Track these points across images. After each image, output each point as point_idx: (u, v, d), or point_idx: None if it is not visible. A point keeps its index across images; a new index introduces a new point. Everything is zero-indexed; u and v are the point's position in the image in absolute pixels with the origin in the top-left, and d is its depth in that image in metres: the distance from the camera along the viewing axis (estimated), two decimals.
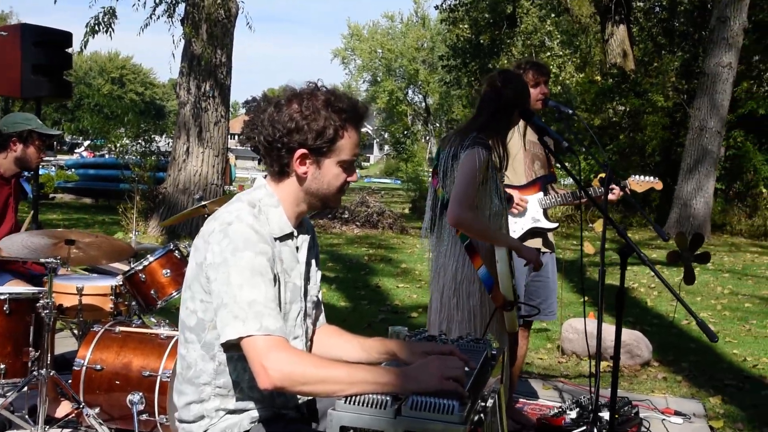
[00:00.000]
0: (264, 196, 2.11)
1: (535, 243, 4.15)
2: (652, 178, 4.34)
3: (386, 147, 64.29)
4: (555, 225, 4.15)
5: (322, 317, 2.39)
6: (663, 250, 13.65)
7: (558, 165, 4.33)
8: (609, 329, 4.40)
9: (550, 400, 4.73)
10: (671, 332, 6.99)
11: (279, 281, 2.04)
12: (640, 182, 4.36)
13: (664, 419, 4.38)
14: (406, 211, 19.68)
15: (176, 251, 4.14)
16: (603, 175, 4.32)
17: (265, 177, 2.17)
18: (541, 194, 4.13)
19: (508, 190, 3.96)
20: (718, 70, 15.73)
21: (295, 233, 2.17)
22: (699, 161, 15.98)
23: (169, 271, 4.02)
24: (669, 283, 2.73)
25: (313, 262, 2.28)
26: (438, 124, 58.27)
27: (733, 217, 18.29)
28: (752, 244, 16.39)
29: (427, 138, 58.19)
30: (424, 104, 58.24)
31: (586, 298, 8.23)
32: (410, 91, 59.67)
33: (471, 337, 2.45)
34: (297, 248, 2.17)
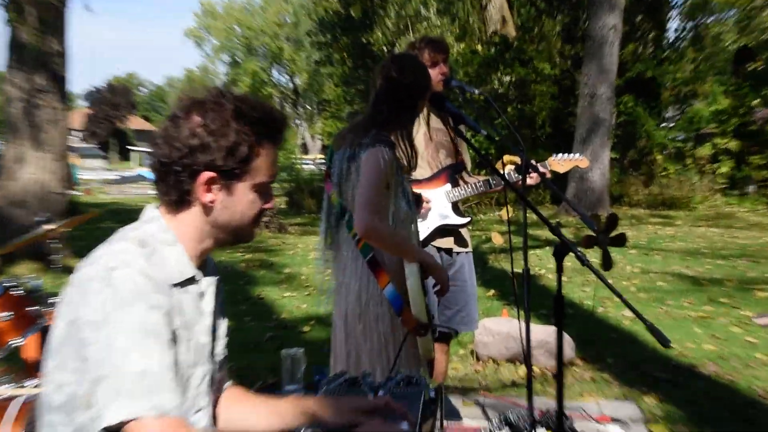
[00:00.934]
0: (157, 231, 1.88)
1: (446, 242, 4.08)
2: (576, 155, 4.36)
3: None
4: (466, 220, 4.11)
5: (227, 379, 2.17)
6: (565, 228, 13.97)
7: (472, 151, 4.26)
8: (532, 329, 4.27)
9: (475, 419, 4.57)
10: (589, 323, 7.04)
11: (177, 340, 1.80)
12: (561, 161, 4.30)
13: (599, 430, 4.30)
14: (283, 205, 19.36)
15: (15, 287, 3.74)
16: (513, 159, 4.24)
17: (158, 207, 1.94)
18: (448, 186, 4.07)
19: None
20: (604, 32, 16.21)
21: (199, 277, 1.93)
22: (592, 130, 16.53)
23: (10, 313, 3.61)
24: (600, 274, 2.70)
25: (220, 310, 2.08)
26: (309, 106, 58.11)
27: (629, 187, 19.05)
28: (652, 214, 17.09)
29: (298, 122, 57.91)
30: (291, 85, 57.80)
31: (492, 292, 8.27)
32: (275, 72, 59.08)
33: (401, 376, 2.22)
34: (201, 295, 1.95)
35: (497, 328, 5.78)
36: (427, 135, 4.05)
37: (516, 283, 5.63)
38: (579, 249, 2.84)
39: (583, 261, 2.75)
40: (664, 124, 21.16)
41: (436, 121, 4.10)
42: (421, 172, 4.02)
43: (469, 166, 4.35)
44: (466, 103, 3.87)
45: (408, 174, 3.28)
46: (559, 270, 2.84)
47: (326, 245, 3.29)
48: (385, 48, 25.49)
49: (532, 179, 3.97)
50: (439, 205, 4.04)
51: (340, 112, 34.58)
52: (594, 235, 3.39)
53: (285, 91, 58.50)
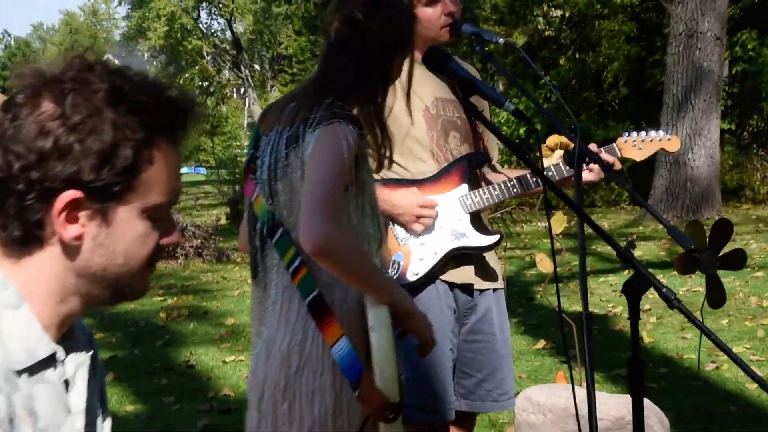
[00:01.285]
0: None
1: (463, 275, 4.08)
2: (660, 133, 4.34)
3: None
4: (494, 239, 4.10)
5: None
6: (653, 241, 13.95)
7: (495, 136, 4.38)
8: (602, 399, 4.42)
9: None
10: (694, 389, 7.09)
11: None
12: (638, 143, 4.32)
13: None
14: (223, 221, 19.40)
15: None
16: (564, 141, 4.27)
17: None
18: (465, 188, 4.08)
19: (400, 191, 3.97)
20: None
21: (61, 355, 1.90)
22: (692, 89, 16.50)
23: None
24: (698, 321, 2.74)
25: (98, 404, 2.06)
26: (257, 66, 58.29)
27: (753, 175, 19.00)
28: None
29: (243, 91, 58.07)
30: (230, 34, 57.84)
31: (542, 344, 8.30)
32: (203, 14, 59.02)
33: None
34: (66, 383, 1.92)
35: (550, 401, 5.79)
36: (428, 111, 4.08)
37: (575, 330, 5.69)
38: (672, 277, 2.88)
39: (671, 302, 2.75)
40: None
41: (442, 89, 4.13)
42: (422, 167, 4.05)
43: (496, 156, 4.40)
44: (486, 60, 3.91)
45: (378, 172, 3.31)
46: (634, 315, 2.85)
47: (254, 281, 3.31)
48: None
49: (591, 173, 4.01)
50: (450, 218, 4.05)
51: (303, 74, 34.55)
52: (693, 254, 3.46)
53: (220, 44, 58.49)
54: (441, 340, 3.74)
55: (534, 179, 4.13)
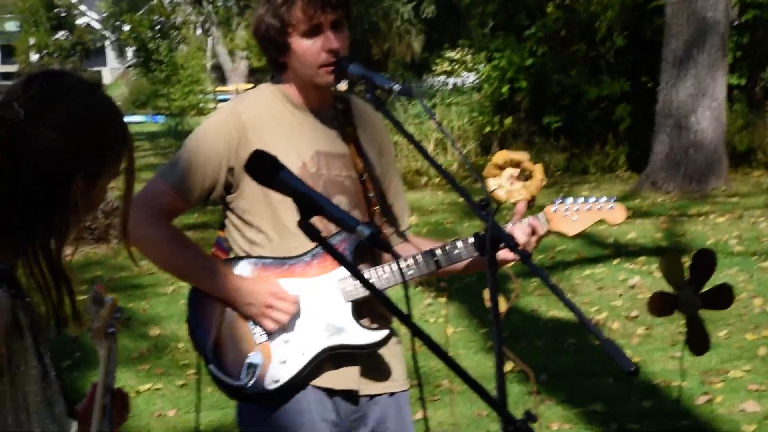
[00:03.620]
0: None
1: (342, 379, 3.85)
2: (603, 199, 4.05)
3: (129, 52, 63.31)
4: (381, 334, 3.86)
5: None
6: (650, 219, 13.65)
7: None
8: None
9: None
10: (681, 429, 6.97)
11: None
12: (573, 212, 4.03)
13: None
14: None
15: None
16: (515, 157, 4.05)
17: None
18: (344, 269, 3.78)
19: (256, 274, 3.84)
20: None
21: None
22: (694, 43, 16.30)
23: None
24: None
25: None
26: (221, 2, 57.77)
27: (765, 136, 18.83)
28: None
29: (207, 27, 57.65)
30: None
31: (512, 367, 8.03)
32: None
33: None
34: None
35: None
36: (306, 169, 3.84)
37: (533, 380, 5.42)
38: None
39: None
40: None
41: (327, 140, 3.91)
42: (294, 241, 3.77)
43: (405, 221, 4.20)
44: (377, 110, 3.96)
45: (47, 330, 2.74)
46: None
47: None
48: None
49: (510, 254, 3.59)
50: (326, 308, 3.81)
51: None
52: (672, 292, 3.66)
53: None
54: None
55: (447, 252, 3.88)
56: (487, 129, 19.70)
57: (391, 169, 4.13)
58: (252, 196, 3.74)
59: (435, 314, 9.86)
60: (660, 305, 3.64)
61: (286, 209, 3.70)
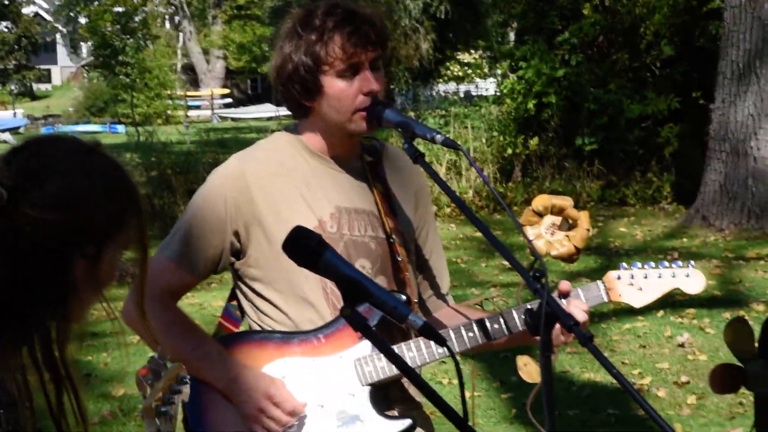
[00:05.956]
0: None
1: None
2: (677, 266, 4.13)
3: (83, 48, 63.72)
4: (403, 424, 3.91)
5: None
6: (701, 262, 13.44)
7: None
8: None
9: None
10: None
11: None
12: (640, 281, 4.14)
13: None
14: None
15: None
16: (558, 203, 4.14)
17: None
18: (366, 347, 3.90)
19: (256, 369, 3.90)
20: None
21: None
22: (759, 51, 16.29)
23: None
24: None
25: None
26: None
27: None
28: None
29: (178, 22, 57.88)
30: None
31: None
32: None
33: None
34: None
35: None
36: (324, 227, 3.91)
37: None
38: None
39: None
40: None
41: (352, 195, 4.00)
42: (309, 313, 3.90)
43: (446, 285, 4.27)
44: (415, 161, 3.96)
45: None
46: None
47: None
48: None
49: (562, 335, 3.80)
50: (338, 393, 3.88)
51: (255, 7, 34.44)
52: (737, 365, 3.79)
53: None
54: None
55: (497, 326, 3.98)
56: (509, 151, 19.69)
57: (429, 224, 4.22)
58: (262, 262, 3.83)
59: (449, 373, 9.56)
60: (724, 380, 3.66)
61: (302, 277, 3.80)
